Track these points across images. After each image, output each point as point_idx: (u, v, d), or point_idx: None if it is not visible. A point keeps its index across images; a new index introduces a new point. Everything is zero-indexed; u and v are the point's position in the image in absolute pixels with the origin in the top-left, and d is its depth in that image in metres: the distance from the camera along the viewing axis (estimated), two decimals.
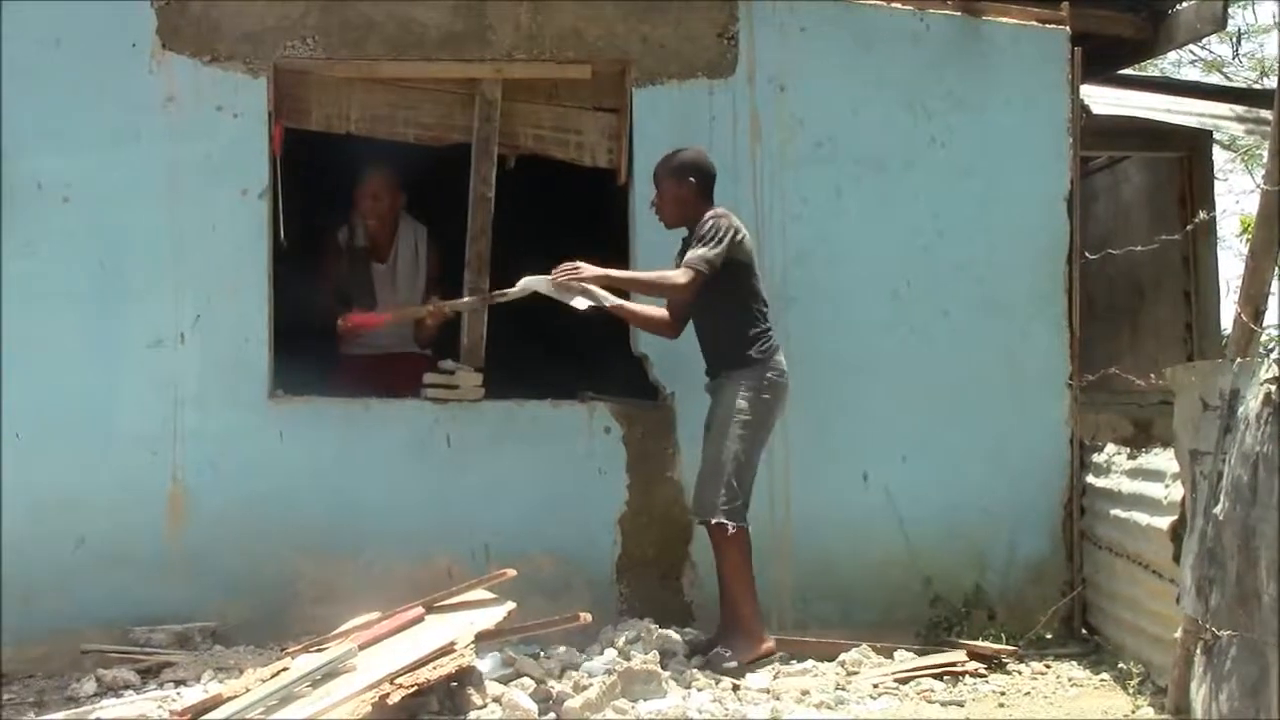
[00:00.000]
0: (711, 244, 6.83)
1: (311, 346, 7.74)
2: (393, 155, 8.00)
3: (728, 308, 6.94)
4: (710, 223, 6.90)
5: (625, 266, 7.52)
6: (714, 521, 6.82)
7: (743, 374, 6.89)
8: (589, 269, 6.95)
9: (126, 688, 6.59)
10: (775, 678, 6.67)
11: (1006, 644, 7.23)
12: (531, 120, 7.75)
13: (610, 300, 7.02)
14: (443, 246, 8.34)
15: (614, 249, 7.78)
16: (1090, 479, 7.59)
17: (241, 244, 7.39)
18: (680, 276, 6.83)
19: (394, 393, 7.66)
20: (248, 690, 5.74)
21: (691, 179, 7.06)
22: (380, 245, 8.34)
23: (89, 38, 7.32)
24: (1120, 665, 6.84)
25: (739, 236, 6.91)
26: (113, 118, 7.33)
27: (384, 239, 8.33)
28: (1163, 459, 6.57)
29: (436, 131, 7.75)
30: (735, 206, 7.45)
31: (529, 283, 7.08)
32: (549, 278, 6.97)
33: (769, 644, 6.84)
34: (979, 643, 7.18)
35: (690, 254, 6.86)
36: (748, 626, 6.83)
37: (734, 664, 6.71)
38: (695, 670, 6.63)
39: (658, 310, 7.17)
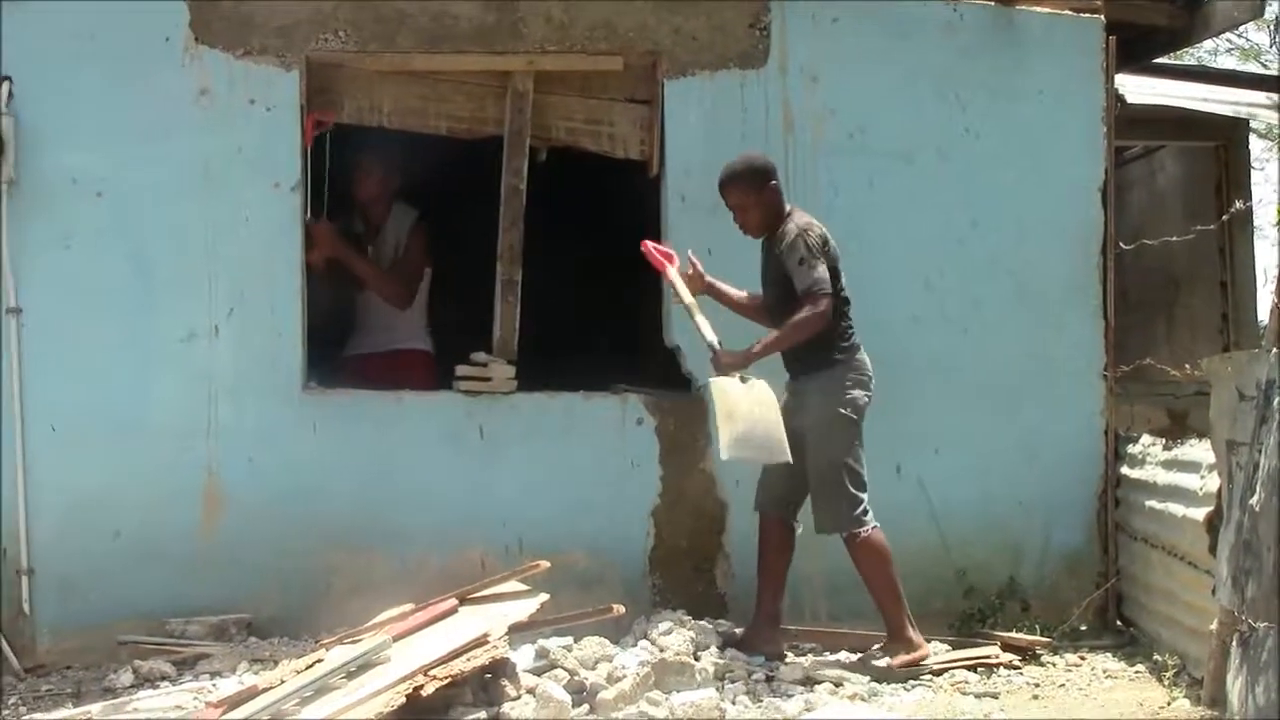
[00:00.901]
0: (812, 260, 6.68)
1: (341, 341, 7.76)
2: (421, 149, 8.01)
3: None
4: (797, 238, 6.74)
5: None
6: (845, 534, 6.79)
7: (828, 376, 6.80)
8: (733, 357, 6.75)
9: (163, 679, 6.63)
10: (808, 669, 6.67)
11: (1040, 636, 7.22)
12: (563, 112, 7.75)
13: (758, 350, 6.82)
14: (431, 236, 8.32)
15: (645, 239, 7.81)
16: (1125, 470, 7.56)
17: (274, 237, 7.41)
18: (817, 310, 6.62)
19: (405, 389, 7.66)
20: (283, 682, 5.77)
21: (773, 182, 6.94)
22: (372, 230, 8.35)
23: (122, 32, 7.34)
24: (1155, 657, 6.82)
25: (829, 245, 6.80)
26: (146, 112, 7.35)
27: (373, 222, 8.34)
28: (1198, 450, 6.55)
29: (468, 124, 7.75)
30: None
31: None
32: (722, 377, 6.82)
33: (924, 650, 6.77)
34: (1013, 634, 7.16)
35: (802, 278, 6.67)
36: (897, 630, 6.79)
37: (884, 665, 6.71)
38: (730, 661, 6.62)
39: (799, 327, 6.76)
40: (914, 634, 6.78)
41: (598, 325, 8.78)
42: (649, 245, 7.17)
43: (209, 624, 7.10)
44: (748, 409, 6.59)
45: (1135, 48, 8.46)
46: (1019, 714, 6.16)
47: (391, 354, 8.23)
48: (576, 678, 6.10)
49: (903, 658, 6.71)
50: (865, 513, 6.76)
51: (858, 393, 6.80)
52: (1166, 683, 6.44)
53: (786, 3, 7.67)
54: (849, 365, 6.81)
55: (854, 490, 6.76)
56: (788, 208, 6.93)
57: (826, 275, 6.68)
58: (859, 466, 6.79)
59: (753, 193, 6.92)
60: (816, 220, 6.89)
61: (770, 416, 6.59)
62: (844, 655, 6.94)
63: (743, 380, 6.68)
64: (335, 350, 8.10)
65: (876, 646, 6.82)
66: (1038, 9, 7.83)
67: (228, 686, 6.28)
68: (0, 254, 7.20)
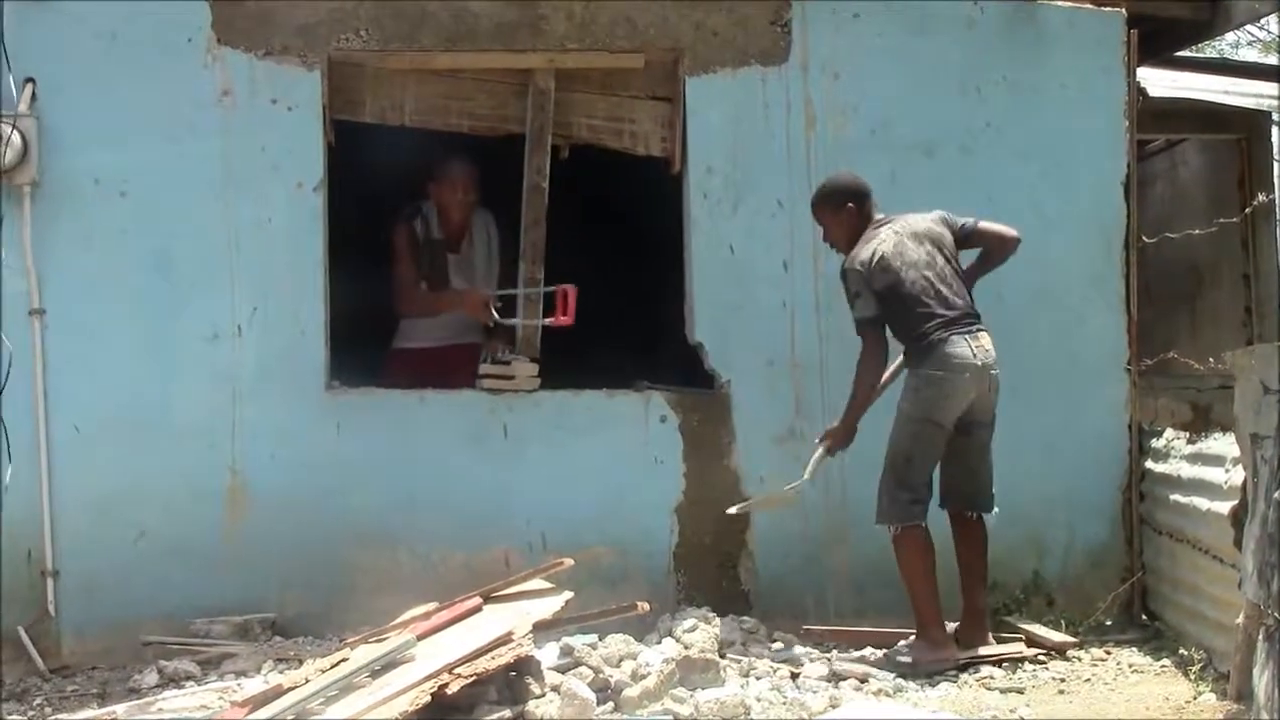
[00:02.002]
0: (859, 301, 6.84)
1: (362, 340, 7.76)
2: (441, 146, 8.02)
3: (891, 317, 6.86)
4: (844, 273, 6.92)
5: (681, 257, 7.63)
6: (881, 525, 6.84)
7: (911, 370, 6.86)
8: (842, 431, 6.97)
9: (188, 679, 6.65)
10: (833, 664, 6.66)
11: (1066, 630, 7.21)
12: (585, 110, 7.75)
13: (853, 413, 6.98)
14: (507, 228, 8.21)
15: (666, 239, 7.81)
16: (1149, 464, 7.54)
17: (297, 237, 7.43)
18: (864, 348, 6.88)
19: (451, 384, 7.67)
20: (308, 681, 5.78)
21: (850, 204, 7.02)
22: (455, 236, 8.29)
23: (145, 33, 7.36)
24: (1181, 651, 6.79)
25: (873, 268, 6.81)
26: (168, 112, 7.37)
27: (460, 229, 8.29)
28: (1223, 443, 6.53)
29: (490, 122, 7.76)
30: (790, 195, 7.49)
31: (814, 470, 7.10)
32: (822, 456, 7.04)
33: (949, 651, 6.76)
34: (1038, 629, 7.14)
35: (854, 313, 6.89)
36: (925, 629, 6.78)
37: (908, 661, 6.70)
38: (754, 658, 6.62)
39: (875, 372, 6.96)
40: (940, 634, 6.77)
41: (620, 320, 8.77)
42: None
43: (233, 623, 7.12)
44: None
45: (1157, 41, 8.42)
46: (1045, 709, 6.15)
47: (444, 349, 8.21)
48: (601, 675, 6.09)
49: (926, 655, 6.70)
50: (906, 510, 6.76)
51: (928, 391, 6.76)
52: (1192, 677, 6.42)
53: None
54: (927, 359, 6.78)
55: (896, 486, 6.78)
56: (873, 226, 7.00)
57: (867, 310, 6.83)
58: (910, 465, 6.78)
59: (829, 213, 7.09)
60: (886, 234, 6.92)
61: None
62: (869, 651, 6.93)
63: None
64: (363, 345, 8.04)
65: (903, 643, 6.81)
66: (1059, 3, 7.80)
67: (253, 686, 6.29)
68: (24, 254, 7.23)
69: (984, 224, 7.06)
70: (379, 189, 8.28)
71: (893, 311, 6.84)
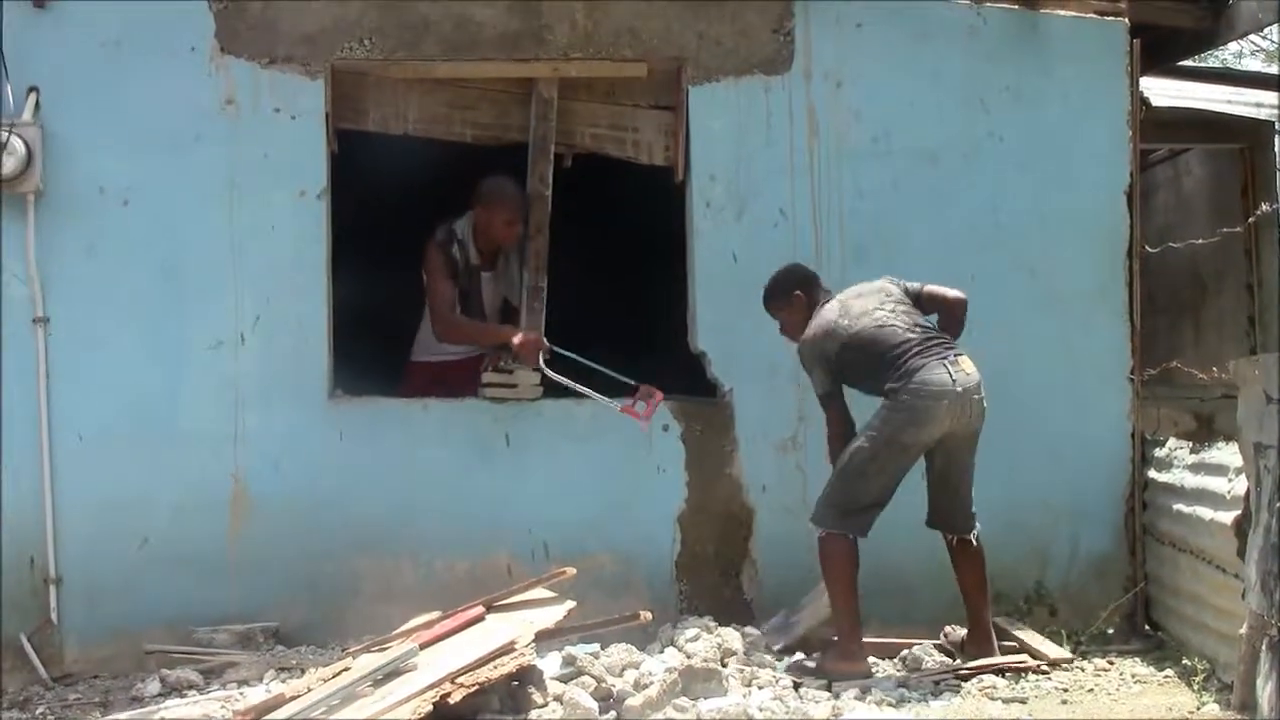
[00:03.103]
0: (814, 378, 6.92)
1: (366, 347, 7.75)
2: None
3: (862, 379, 6.88)
4: (801, 355, 6.97)
5: (684, 262, 7.67)
6: (811, 525, 6.84)
7: (889, 393, 6.76)
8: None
9: (190, 688, 6.65)
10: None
11: (1068, 640, 7.21)
12: (588, 119, 7.76)
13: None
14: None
15: (670, 246, 7.82)
16: (1152, 474, 7.53)
17: (300, 245, 7.43)
18: (830, 422, 6.93)
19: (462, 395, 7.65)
20: (310, 690, 5.78)
21: (798, 292, 7.06)
22: (490, 256, 8.04)
23: (148, 41, 7.37)
24: (1184, 661, 6.78)
25: (823, 348, 6.84)
26: (172, 121, 7.39)
27: (496, 252, 8.04)
28: (1226, 453, 6.52)
29: (494, 131, 7.77)
30: (792, 202, 7.52)
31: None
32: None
33: (862, 665, 6.73)
34: (1040, 641, 7.14)
35: (815, 390, 6.95)
36: (839, 638, 6.77)
37: (812, 667, 6.71)
38: (757, 668, 6.61)
39: (841, 443, 6.90)
40: (855, 647, 6.75)
41: (622, 327, 8.76)
42: None
43: (236, 632, 7.12)
44: None
45: (1160, 50, 8.43)
46: (1047, 719, 6.15)
47: (462, 361, 8.03)
48: (604, 685, 6.10)
49: (837, 665, 6.68)
50: (839, 519, 6.73)
51: (900, 417, 6.67)
52: (1196, 687, 6.41)
53: (811, 6, 7.66)
54: (901, 389, 6.68)
55: (840, 494, 6.76)
56: (820, 308, 7.00)
57: (823, 385, 6.90)
58: (860, 479, 6.73)
59: (780, 306, 7.15)
60: (830, 305, 6.95)
61: None
62: (871, 661, 6.93)
63: None
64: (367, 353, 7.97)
65: (818, 654, 6.84)
66: (1062, 12, 7.80)
67: (255, 695, 6.30)
68: (28, 262, 7.24)
69: (930, 286, 7.02)
70: (383, 196, 8.27)
71: (858, 365, 6.82)
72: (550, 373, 7.47)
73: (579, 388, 7.37)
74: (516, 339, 7.59)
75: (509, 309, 7.99)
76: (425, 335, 8.13)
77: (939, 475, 6.90)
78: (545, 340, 7.57)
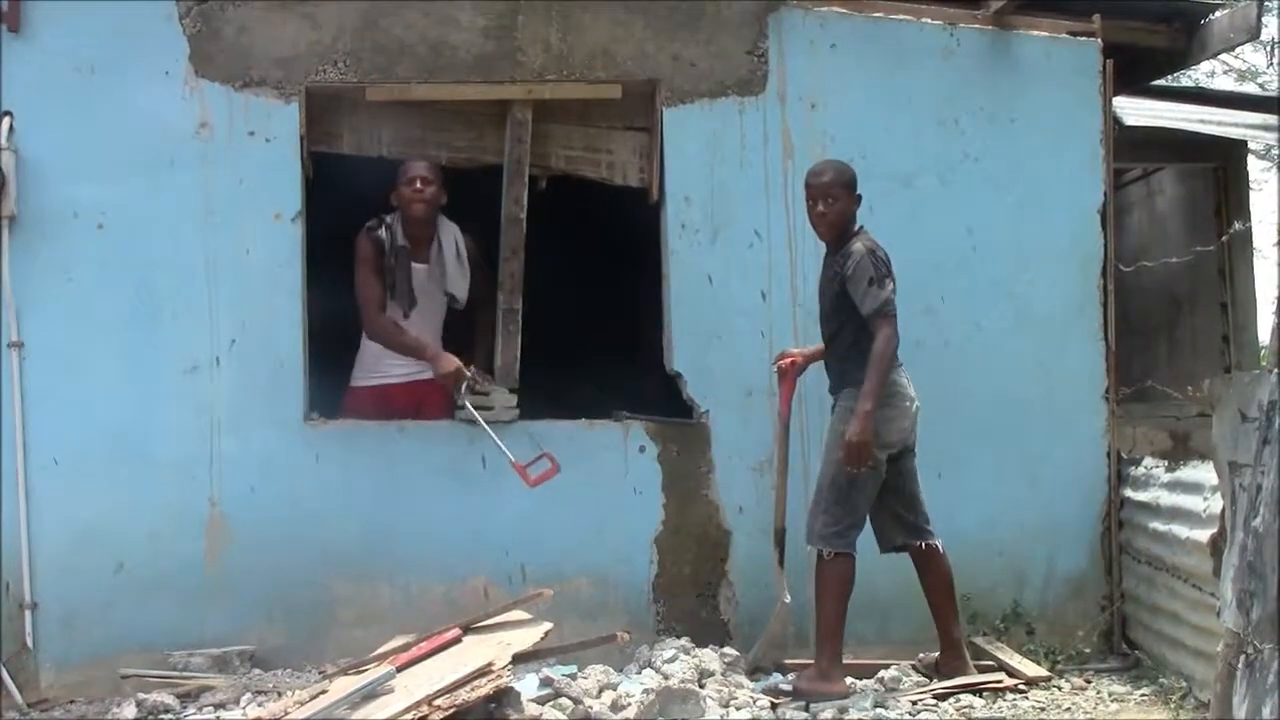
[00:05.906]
0: (881, 280, 6.73)
1: (344, 374, 7.73)
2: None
3: (859, 325, 6.80)
4: (865, 256, 6.76)
5: (658, 288, 7.66)
6: (810, 547, 6.83)
7: (853, 394, 6.73)
8: (859, 431, 6.64)
9: (166, 712, 6.62)
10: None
11: (1046, 659, 7.22)
12: (563, 141, 7.76)
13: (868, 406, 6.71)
14: (483, 242, 7.96)
15: (643, 267, 7.81)
16: (1128, 492, 7.55)
17: (275, 268, 7.42)
18: (887, 334, 6.68)
19: (434, 416, 7.62)
20: (287, 713, 5.78)
21: (859, 194, 6.99)
22: (419, 244, 7.80)
23: (122, 65, 7.36)
24: (1161, 680, 6.81)
25: (890, 266, 6.83)
26: (146, 145, 7.37)
27: (424, 237, 7.79)
28: (1201, 471, 6.55)
29: (468, 154, 7.76)
30: (767, 225, 7.51)
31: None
32: None
33: (839, 686, 6.70)
34: (1014, 655, 7.14)
35: (872, 298, 6.69)
36: (819, 658, 6.77)
37: (788, 689, 6.73)
38: (734, 688, 6.61)
39: (883, 357, 6.71)
40: (835, 669, 6.74)
41: (599, 347, 8.77)
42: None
43: (212, 656, 7.09)
44: None
45: (1133, 70, 8.47)
46: None
47: (409, 385, 7.79)
48: (581, 706, 6.10)
49: (816, 686, 6.67)
50: (838, 536, 6.75)
51: (879, 414, 6.69)
52: (1173, 705, 6.43)
53: (784, 30, 7.69)
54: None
55: (837, 506, 6.76)
56: (860, 239, 6.90)
57: (893, 295, 6.74)
58: (853, 488, 6.75)
59: (844, 193, 6.94)
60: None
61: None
62: (849, 681, 6.92)
63: None
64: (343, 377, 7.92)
65: (798, 674, 6.87)
66: (1035, 33, 7.84)
67: (231, 719, 6.27)
68: (2, 287, 7.22)
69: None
70: (359, 220, 8.22)
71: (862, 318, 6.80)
72: (469, 406, 7.37)
73: (488, 429, 7.29)
74: (440, 363, 7.49)
75: (455, 315, 7.88)
76: (366, 355, 7.87)
77: (897, 483, 6.90)
78: (466, 371, 7.45)
